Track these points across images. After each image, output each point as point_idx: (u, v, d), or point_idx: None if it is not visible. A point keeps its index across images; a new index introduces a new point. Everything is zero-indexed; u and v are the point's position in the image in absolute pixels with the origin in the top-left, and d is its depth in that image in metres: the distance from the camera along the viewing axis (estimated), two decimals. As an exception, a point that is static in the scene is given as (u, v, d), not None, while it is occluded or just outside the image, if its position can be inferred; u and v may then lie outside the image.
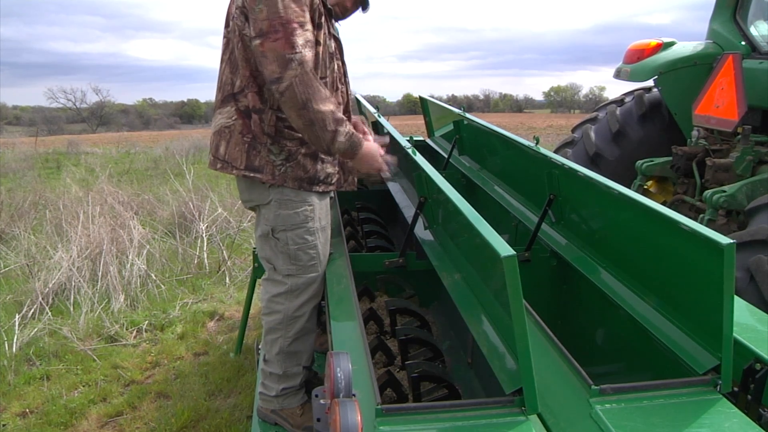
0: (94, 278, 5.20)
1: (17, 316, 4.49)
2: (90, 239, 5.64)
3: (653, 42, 4.67)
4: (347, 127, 2.16)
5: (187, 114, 68.55)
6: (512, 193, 3.23)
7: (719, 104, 4.04)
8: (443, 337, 2.62)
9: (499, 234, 1.52)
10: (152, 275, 5.39)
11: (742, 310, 1.96)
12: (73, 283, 5.03)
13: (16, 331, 4.31)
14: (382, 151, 2.36)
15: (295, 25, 2.05)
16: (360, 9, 2.60)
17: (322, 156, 2.31)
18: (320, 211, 2.34)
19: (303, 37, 2.07)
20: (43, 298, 4.83)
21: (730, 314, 1.54)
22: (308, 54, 2.08)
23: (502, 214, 3.14)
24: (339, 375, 1.28)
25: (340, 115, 2.14)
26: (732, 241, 1.50)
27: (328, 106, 2.10)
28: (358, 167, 2.35)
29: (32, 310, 4.71)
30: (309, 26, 2.11)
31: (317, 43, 2.20)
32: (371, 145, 2.30)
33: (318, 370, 2.59)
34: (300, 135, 2.23)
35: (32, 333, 4.33)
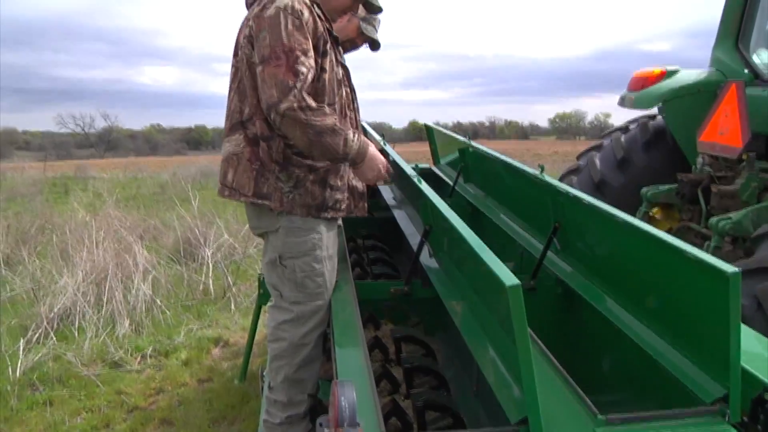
0: (99, 303, 5.20)
1: (22, 341, 4.49)
2: (95, 264, 5.65)
3: (657, 70, 4.70)
4: (352, 131, 2.21)
5: (194, 140, 68.95)
6: (517, 221, 3.24)
7: (723, 131, 4.06)
8: (448, 366, 2.61)
9: (505, 262, 1.53)
10: (157, 301, 5.39)
11: (750, 339, 1.94)
12: (78, 308, 5.03)
13: (21, 356, 4.30)
14: (384, 162, 2.39)
15: (298, 53, 2.08)
16: (369, 47, 2.65)
17: (331, 182, 2.33)
18: (328, 239, 2.35)
19: (305, 65, 2.10)
20: (48, 323, 4.83)
21: (737, 343, 1.53)
22: (309, 82, 2.11)
23: (508, 242, 3.14)
24: (343, 404, 1.27)
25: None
26: (738, 269, 1.49)
27: (332, 117, 2.13)
28: (364, 172, 2.33)
29: (37, 335, 4.70)
30: (311, 53, 2.14)
31: (323, 70, 2.23)
32: (374, 148, 2.35)
33: (323, 397, 2.57)
34: (308, 162, 2.25)
35: (36, 358, 4.32)
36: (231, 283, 5.92)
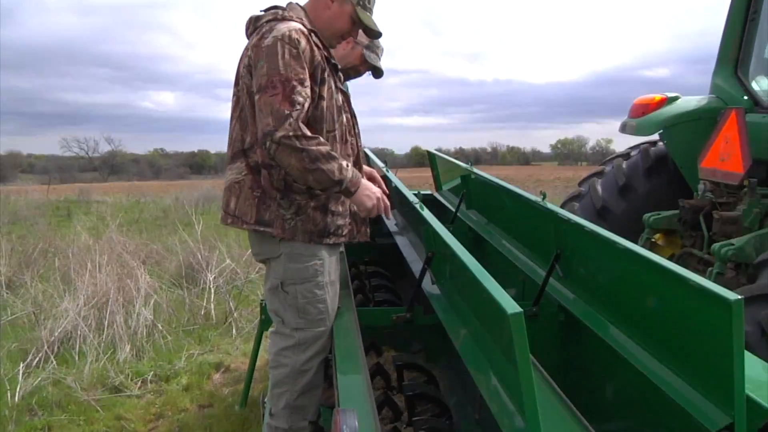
0: (100, 327, 5.18)
1: (21, 365, 4.47)
2: (97, 288, 5.64)
3: (658, 97, 4.73)
4: (346, 161, 2.23)
5: (197, 164, 69.32)
6: (519, 247, 3.24)
7: (724, 157, 4.07)
8: (451, 393, 2.59)
9: (506, 288, 1.53)
10: (159, 325, 5.37)
11: (755, 366, 1.93)
12: (79, 332, 5.01)
13: (20, 380, 4.28)
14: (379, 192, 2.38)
15: (295, 83, 2.11)
16: (372, 74, 2.68)
17: (332, 208, 2.34)
18: (330, 265, 2.35)
19: (301, 94, 2.12)
20: (48, 347, 4.81)
21: (741, 371, 1.53)
22: (305, 111, 2.13)
23: (510, 268, 3.14)
24: (345, 432, 1.27)
25: None
26: (740, 296, 1.50)
27: (327, 146, 2.16)
28: (362, 200, 2.31)
29: (37, 359, 4.68)
30: (308, 83, 2.17)
31: (321, 97, 2.25)
32: (367, 182, 2.35)
33: (324, 424, 2.55)
34: (309, 189, 2.26)
35: (36, 382, 4.29)
36: (233, 308, 5.90)
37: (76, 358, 4.75)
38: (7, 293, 6.38)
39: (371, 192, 2.32)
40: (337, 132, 2.33)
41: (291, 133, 2.07)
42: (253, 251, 2.43)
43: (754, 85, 4.37)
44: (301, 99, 2.12)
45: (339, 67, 2.49)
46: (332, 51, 2.47)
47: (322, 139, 2.18)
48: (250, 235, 2.38)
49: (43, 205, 16.39)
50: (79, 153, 67.53)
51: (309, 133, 2.12)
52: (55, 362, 4.65)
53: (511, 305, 1.39)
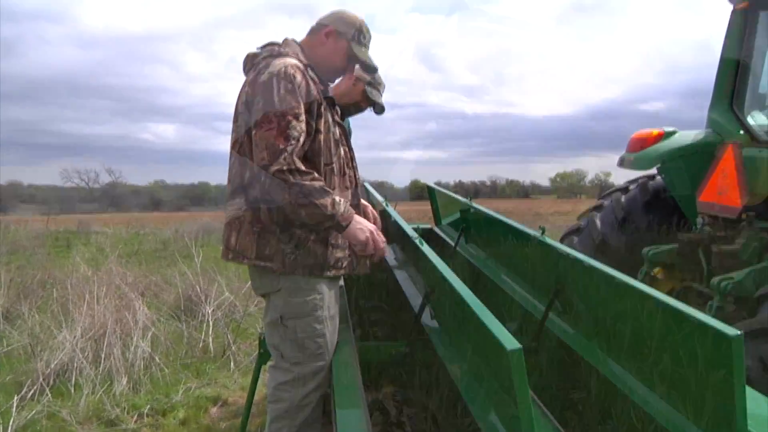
0: (97, 359, 5.13)
1: (16, 398, 4.41)
2: (94, 320, 5.61)
3: (655, 131, 4.78)
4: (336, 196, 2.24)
5: (197, 196, 69.42)
6: (519, 282, 3.23)
7: (722, 191, 4.10)
8: (450, 429, 2.56)
9: (506, 323, 1.53)
10: (156, 358, 5.32)
11: (757, 402, 1.91)
12: (76, 364, 4.96)
13: (13, 413, 4.22)
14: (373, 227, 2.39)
15: (290, 118, 2.14)
16: (373, 110, 2.72)
17: (332, 241, 2.35)
18: (329, 299, 2.36)
19: (296, 129, 2.15)
20: (44, 379, 4.76)
21: (742, 407, 1.52)
22: (300, 146, 2.16)
23: (509, 303, 3.13)
24: (344, 470, 1.26)
25: None
26: (740, 332, 1.49)
27: (320, 181, 2.19)
28: (355, 233, 2.31)
29: (32, 391, 4.62)
30: (303, 117, 2.20)
31: (318, 131, 2.28)
32: (360, 218, 2.36)
33: (322, 461, 2.52)
34: None
35: (30, 415, 4.23)
36: (231, 341, 5.86)
37: (72, 391, 4.70)
38: (3, 324, 6.33)
39: (363, 226, 2.33)
40: (335, 165, 2.36)
41: (285, 168, 2.10)
42: (253, 285, 2.44)
43: (750, 120, 4.42)
44: (296, 133, 2.14)
45: (336, 101, 2.52)
46: (335, 88, 2.51)
47: (316, 174, 2.21)
48: (250, 269, 2.39)
49: (42, 236, 16.37)
50: (79, 184, 68.02)
51: (303, 168, 2.15)
52: (50, 395, 4.60)
53: (510, 341, 1.39)
